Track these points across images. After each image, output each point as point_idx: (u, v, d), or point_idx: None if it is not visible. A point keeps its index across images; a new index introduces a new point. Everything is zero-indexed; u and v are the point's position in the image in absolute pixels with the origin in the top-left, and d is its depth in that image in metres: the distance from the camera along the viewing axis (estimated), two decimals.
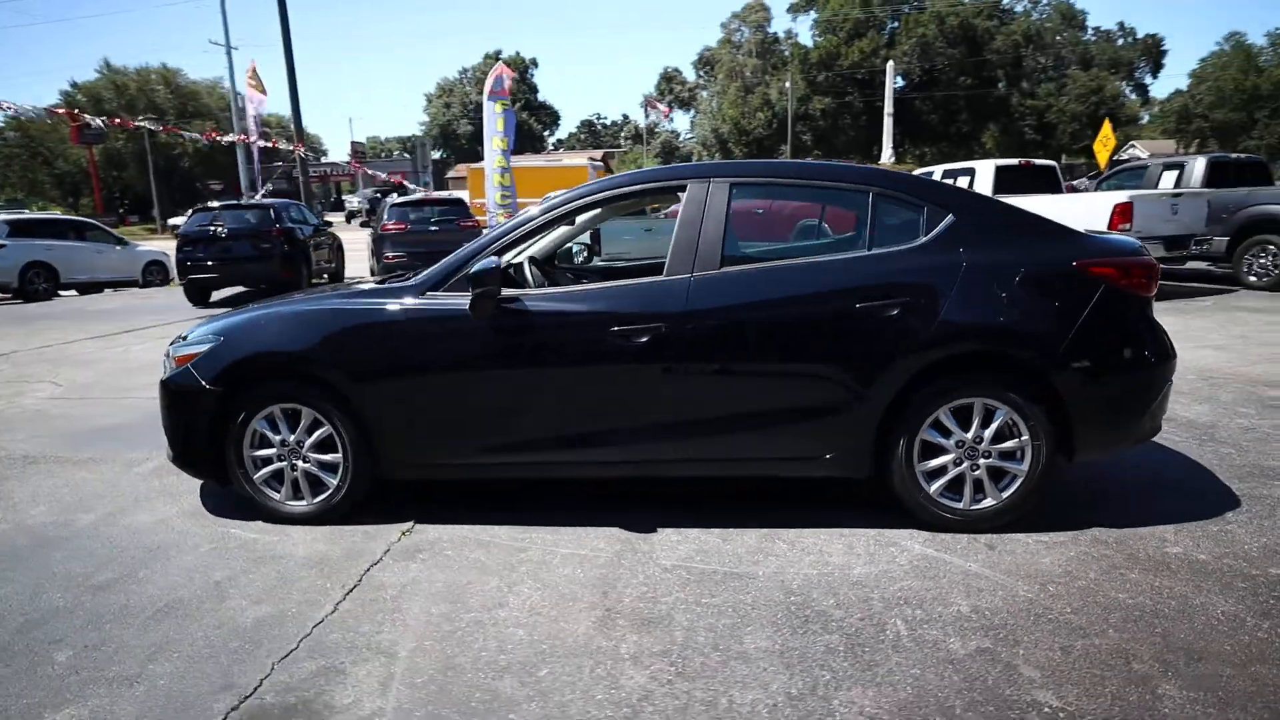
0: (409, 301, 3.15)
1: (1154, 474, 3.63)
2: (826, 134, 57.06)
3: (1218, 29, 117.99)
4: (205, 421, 3.25)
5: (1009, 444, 2.98)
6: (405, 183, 20.35)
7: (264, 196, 17.63)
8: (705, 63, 65.85)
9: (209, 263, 11.26)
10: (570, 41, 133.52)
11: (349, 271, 14.38)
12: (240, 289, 12.08)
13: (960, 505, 3.03)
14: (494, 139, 16.02)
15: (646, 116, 74.12)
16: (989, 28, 50.86)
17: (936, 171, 11.66)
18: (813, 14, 57.95)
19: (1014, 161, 11.04)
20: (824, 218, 4.59)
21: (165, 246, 16.13)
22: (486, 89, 15.71)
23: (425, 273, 3.26)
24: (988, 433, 2.98)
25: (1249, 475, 3.56)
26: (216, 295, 12.00)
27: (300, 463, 3.27)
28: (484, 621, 2.50)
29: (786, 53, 60.00)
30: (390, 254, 11.79)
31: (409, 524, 3.29)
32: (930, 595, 2.59)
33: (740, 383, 3.03)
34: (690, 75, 69.11)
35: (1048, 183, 10.95)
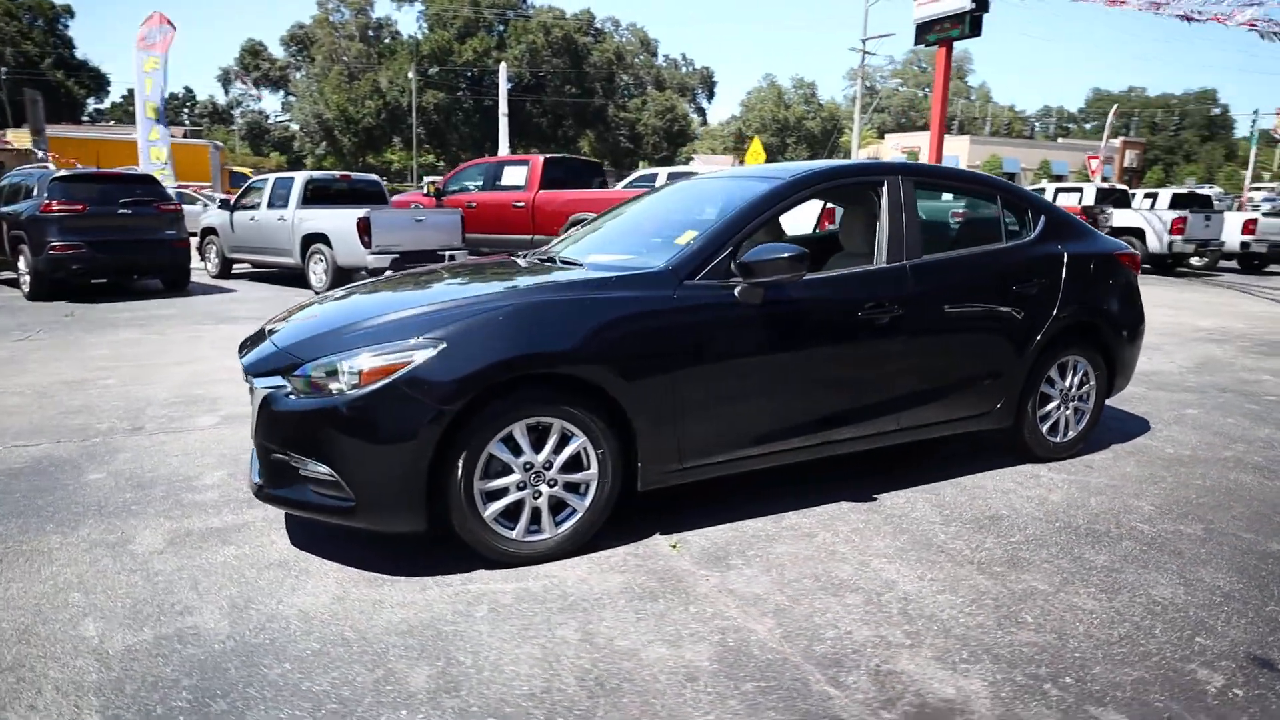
0: (672, 291, 2.89)
1: None
2: (440, 129, 56.77)
3: (760, 68, 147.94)
4: (429, 450, 2.54)
5: (1084, 389, 3.95)
6: (38, 153, 14.79)
7: None
8: (298, 40, 59.95)
9: None
10: None
11: None
12: None
13: (1058, 439, 3.92)
14: (147, 105, 13.01)
15: (227, 93, 64.92)
16: (586, 43, 55.95)
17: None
18: (419, 5, 56.97)
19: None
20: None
21: None
22: (137, 40, 12.60)
23: (669, 259, 2.98)
24: (1075, 381, 3.90)
25: (1116, 401, 5.14)
26: None
27: (546, 487, 2.76)
28: (909, 597, 2.57)
29: (389, 41, 57.99)
30: (59, 243, 8.93)
31: (655, 536, 3.01)
32: (1118, 505, 3.39)
33: (949, 354, 3.47)
34: (279, 52, 62.21)
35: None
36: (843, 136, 51.05)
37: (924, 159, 43.90)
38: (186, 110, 75.53)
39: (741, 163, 28.18)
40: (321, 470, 2.59)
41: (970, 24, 16.17)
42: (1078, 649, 2.28)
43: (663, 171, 13.53)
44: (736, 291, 2.95)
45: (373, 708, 2.00)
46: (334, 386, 2.57)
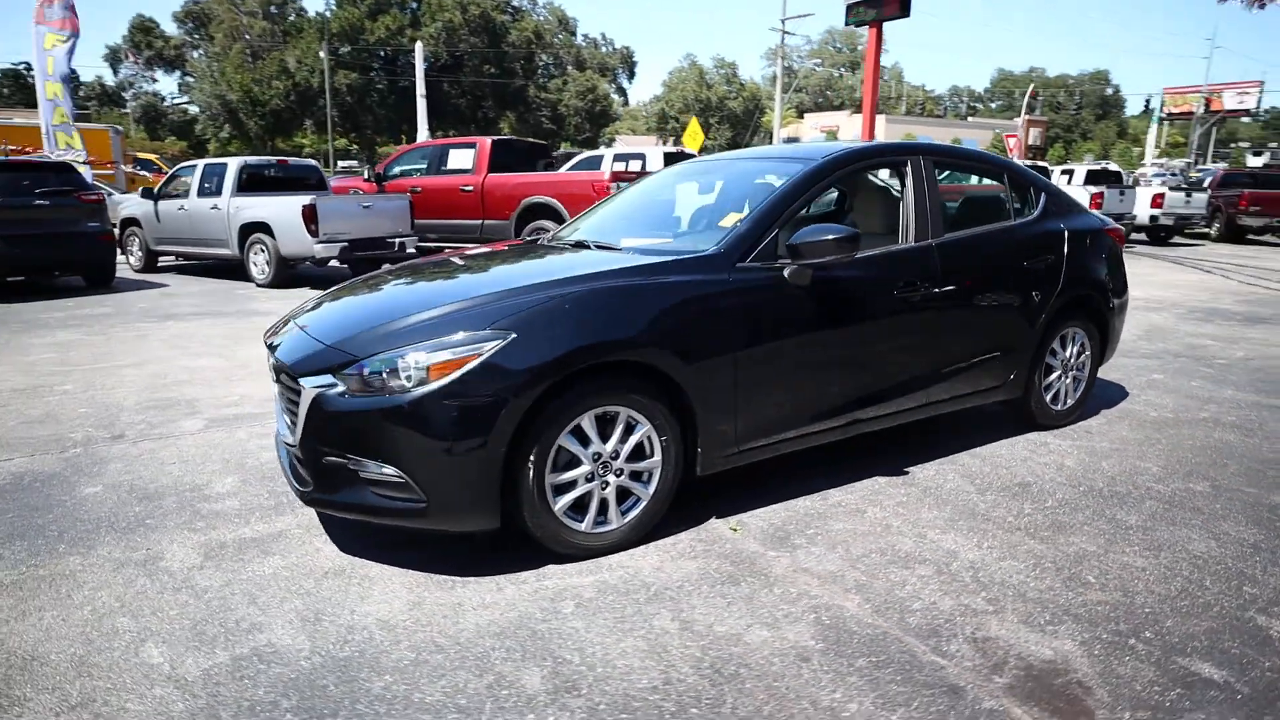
0: (727, 274, 2.87)
1: None
2: (354, 111, 54.53)
3: (680, 48, 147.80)
4: (504, 445, 2.46)
5: (1081, 359, 4.16)
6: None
7: None
8: (193, 16, 56.35)
9: None
10: None
11: None
12: None
13: (1059, 408, 4.12)
14: (48, 85, 12.02)
15: (116, 73, 60.55)
16: (504, 21, 54.64)
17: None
18: None
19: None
20: None
21: None
22: (35, 15, 11.59)
23: (720, 241, 2.96)
24: (1074, 351, 4.10)
25: None
26: None
27: (613, 477, 2.72)
28: (975, 565, 2.66)
29: (294, 18, 55.20)
30: None
31: (712, 520, 3.01)
32: (1128, 468, 3.59)
33: (971, 329, 3.59)
34: (172, 29, 58.30)
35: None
36: (764, 116, 51.78)
37: (844, 138, 45.01)
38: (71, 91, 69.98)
39: (676, 142, 28.27)
40: (387, 472, 2.48)
41: (900, 4, 16.61)
42: (1145, 604, 2.42)
43: (609, 153, 13.42)
44: (786, 273, 2.96)
45: (496, 714, 1.94)
46: (396, 384, 2.45)
